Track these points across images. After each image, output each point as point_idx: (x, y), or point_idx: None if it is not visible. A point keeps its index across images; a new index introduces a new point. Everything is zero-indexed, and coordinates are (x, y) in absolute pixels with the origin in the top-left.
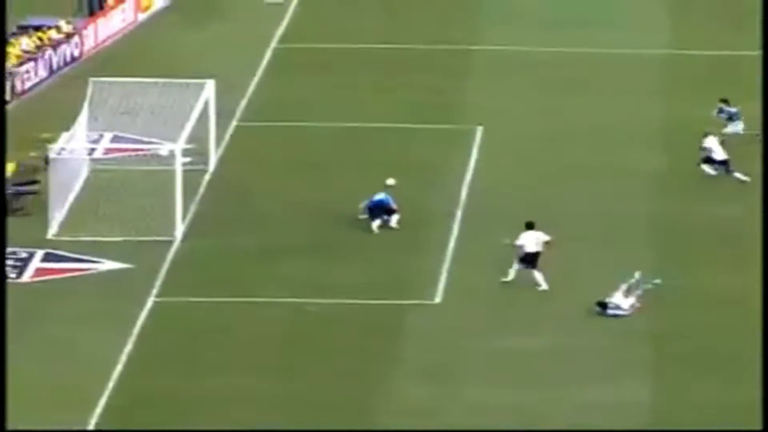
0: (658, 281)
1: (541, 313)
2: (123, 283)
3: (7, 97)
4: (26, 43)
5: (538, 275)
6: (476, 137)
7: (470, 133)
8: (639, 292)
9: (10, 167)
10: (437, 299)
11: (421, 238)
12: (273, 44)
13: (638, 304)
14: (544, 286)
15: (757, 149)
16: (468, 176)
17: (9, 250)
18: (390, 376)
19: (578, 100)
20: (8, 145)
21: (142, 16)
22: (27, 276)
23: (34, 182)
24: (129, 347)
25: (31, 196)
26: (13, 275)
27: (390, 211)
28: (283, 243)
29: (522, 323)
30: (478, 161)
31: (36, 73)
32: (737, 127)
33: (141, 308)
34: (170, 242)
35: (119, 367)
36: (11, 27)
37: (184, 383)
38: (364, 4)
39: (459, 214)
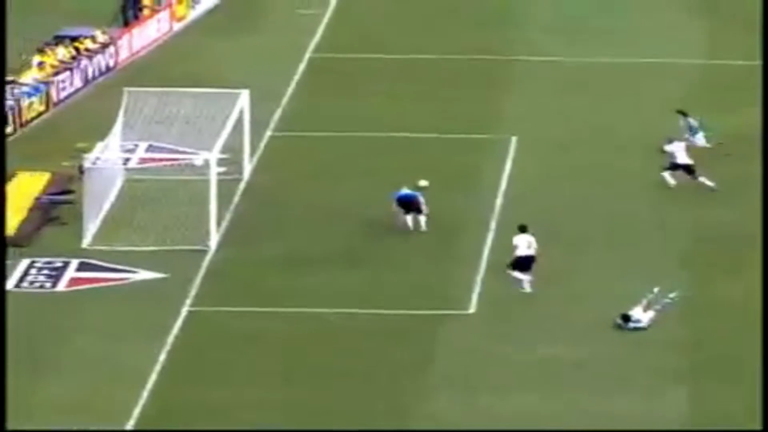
0: (674, 295)
1: (572, 323)
2: (157, 293)
3: (43, 106)
4: (62, 53)
5: (525, 277)
6: (511, 147)
7: (505, 143)
8: (658, 306)
9: (45, 177)
10: (471, 309)
11: (455, 246)
12: (308, 54)
13: (656, 319)
14: (528, 289)
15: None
16: (502, 185)
17: (44, 259)
18: (422, 385)
19: (616, 110)
20: (44, 154)
21: (177, 26)
22: (62, 286)
23: (68, 192)
24: (163, 357)
25: (66, 206)
26: (48, 285)
27: (419, 210)
28: (317, 252)
29: (555, 333)
30: (512, 170)
31: (71, 83)
32: (699, 140)
33: (175, 318)
34: (204, 252)
35: (153, 377)
36: (47, 36)
37: (218, 392)
38: (399, 14)
39: (493, 223)
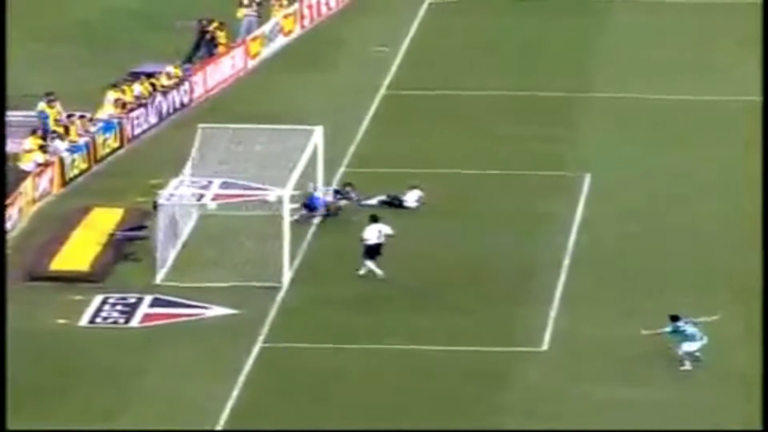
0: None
1: (648, 363)
2: (230, 329)
3: (117, 143)
4: (138, 89)
5: (372, 264)
6: (584, 185)
7: (578, 181)
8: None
9: (119, 213)
10: (544, 347)
11: (528, 285)
12: (381, 91)
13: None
14: (380, 273)
15: None
16: (575, 224)
17: (117, 295)
18: (495, 424)
19: (689, 150)
20: (118, 190)
21: (251, 63)
22: (135, 321)
23: (142, 228)
24: (236, 393)
25: (139, 242)
26: (121, 320)
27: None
28: (388, 290)
29: (628, 373)
30: (585, 209)
31: (146, 119)
32: None
33: (248, 354)
34: (277, 288)
35: (226, 413)
36: (122, 73)
37: (291, 429)
38: (471, 52)
39: (566, 262)
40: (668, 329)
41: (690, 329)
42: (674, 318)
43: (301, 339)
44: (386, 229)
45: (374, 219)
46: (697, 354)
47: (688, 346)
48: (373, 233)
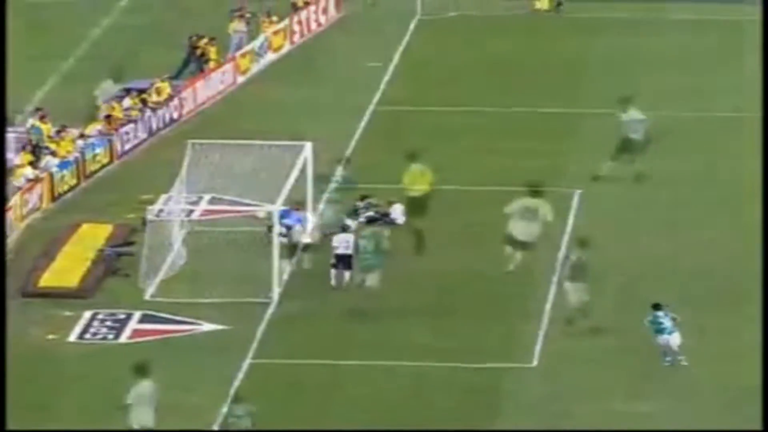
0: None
1: (639, 377)
2: (221, 345)
3: (107, 158)
4: (128, 104)
5: (348, 274)
6: (574, 201)
7: (568, 197)
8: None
9: (108, 229)
10: (534, 362)
11: (517, 301)
12: (371, 107)
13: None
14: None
15: None
16: (565, 239)
17: (106, 311)
18: None
19: (678, 165)
20: (107, 206)
21: (241, 79)
22: (124, 337)
23: (130, 243)
24: (225, 409)
25: (128, 258)
26: (110, 336)
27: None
28: (378, 305)
29: (619, 387)
30: (575, 225)
31: (136, 135)
32: None
33: (239, 370)
34: (267, 304)
35: (215, 428)
36: (113, 91)
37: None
38: (463, 67)
39: (555, 277)
40: (648, 318)
41: (666, 322)
42: (655, 307)
43: (290, 355)
44: (352, 240)
45: (344, 228)
46: (680, 358)
47: (661, 339)
48: (341, 242)
